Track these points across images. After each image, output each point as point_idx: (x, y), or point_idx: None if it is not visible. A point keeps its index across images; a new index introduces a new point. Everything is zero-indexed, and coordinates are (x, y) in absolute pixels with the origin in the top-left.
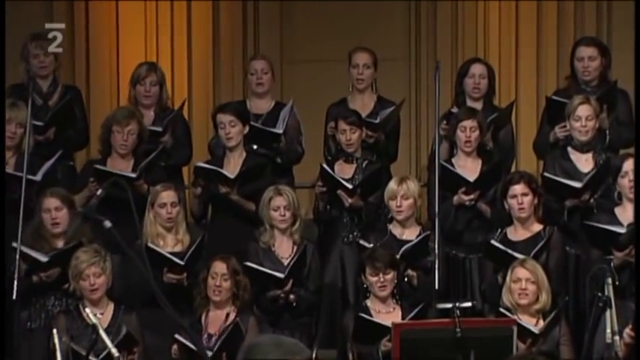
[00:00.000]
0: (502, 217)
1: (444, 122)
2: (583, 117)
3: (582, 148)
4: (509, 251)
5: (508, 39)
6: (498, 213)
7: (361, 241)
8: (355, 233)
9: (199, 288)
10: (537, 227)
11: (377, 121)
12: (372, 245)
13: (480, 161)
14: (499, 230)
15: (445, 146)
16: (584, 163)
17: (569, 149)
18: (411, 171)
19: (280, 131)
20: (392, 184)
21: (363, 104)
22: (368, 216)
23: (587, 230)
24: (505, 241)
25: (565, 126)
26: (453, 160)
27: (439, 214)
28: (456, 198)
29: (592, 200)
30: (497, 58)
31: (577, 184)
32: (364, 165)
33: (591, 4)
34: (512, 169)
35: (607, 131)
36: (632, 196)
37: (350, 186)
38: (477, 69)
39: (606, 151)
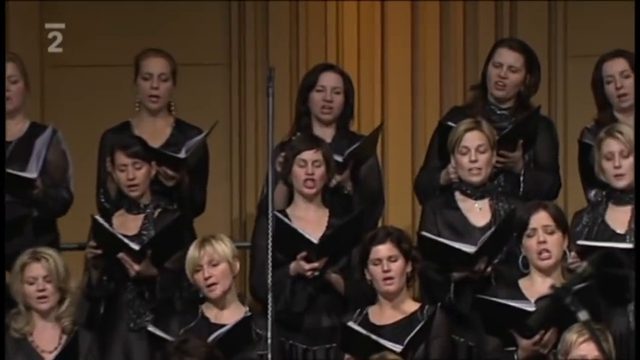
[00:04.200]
0: (362, 291)
1: (281, 155)
2: (472, 148)
3: (474, 193)
4: (374, 337)
5: (370, 42)
6: (356, 285)
7: (153, 329)
8: (146, 315)
9: None
10: (412, 306)
11: (182, 155)
12: (171, 333)
13: (326, 211)
14: (357, 311)
15: (283, 190)
16: (478, 214)
17: (457, 195)
18: (233, 225)
19: (33, 175)
20: (191, 251)
21: (155, 130)
22: (164, 290)
23: (481, 309)
24: (366, 325)
25: None
26: (288, 211)
27: (263, 288)
28: (293, 266)
29: (489, 269)
30: (355, 68)
31: (469, 249)
32: (155, 215)
33: (488, 5)
34: (379, 224)
35: (521, 177)
36: (541, 263)
37: (136, 247)
38: (329, 79)
39: (508, 197)
